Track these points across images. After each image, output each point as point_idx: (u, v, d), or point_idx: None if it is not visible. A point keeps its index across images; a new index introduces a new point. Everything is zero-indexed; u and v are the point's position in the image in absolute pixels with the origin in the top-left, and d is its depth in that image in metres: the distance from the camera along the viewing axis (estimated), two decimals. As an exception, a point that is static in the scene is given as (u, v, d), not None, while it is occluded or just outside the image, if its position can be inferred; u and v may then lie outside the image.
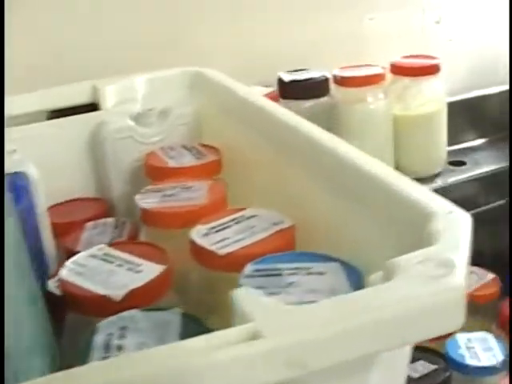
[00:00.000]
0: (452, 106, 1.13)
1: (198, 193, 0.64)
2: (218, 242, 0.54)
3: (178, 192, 0.64)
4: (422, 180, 1.04)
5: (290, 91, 0.97)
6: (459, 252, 0.37)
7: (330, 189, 0.54)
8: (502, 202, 1.06)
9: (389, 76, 1.03)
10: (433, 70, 1.01)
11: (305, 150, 0.57)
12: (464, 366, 0.81)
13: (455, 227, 0.39)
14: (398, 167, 1.06)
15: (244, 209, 0.60)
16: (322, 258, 0.49)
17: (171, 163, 0.72)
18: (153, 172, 0.72)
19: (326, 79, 0.98)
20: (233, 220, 0.57)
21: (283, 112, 0.63)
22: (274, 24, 1.03)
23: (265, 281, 0.47)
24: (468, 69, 1.17)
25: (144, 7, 0.94)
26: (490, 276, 0.97)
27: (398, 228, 0.45)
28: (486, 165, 1.08)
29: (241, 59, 1.01)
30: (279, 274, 0.48)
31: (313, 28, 1.04)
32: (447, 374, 0.79)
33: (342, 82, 0.99)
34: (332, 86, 1.00)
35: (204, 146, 0.76)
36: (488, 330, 0.90)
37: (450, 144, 1.13)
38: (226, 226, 0.57)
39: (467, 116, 1.16)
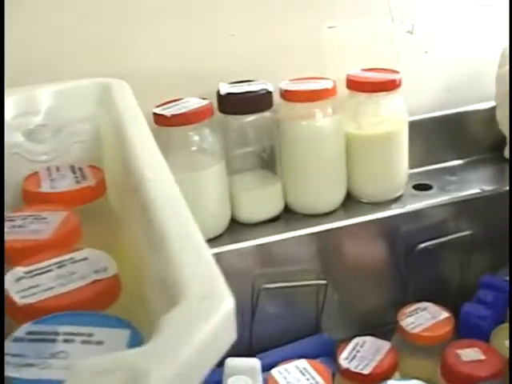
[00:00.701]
0: (426, 124, 1.04)
1: (47, 225, 0.57)
2: (25, 289, 0.47)
3: (28, 223, 0.57)
4: (378, 205, 0.95)
5: (227, 104, 0.89)
6: (171, 361, 0.28)
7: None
8: (467, 232, 0.95)
9: (345, 91, 0.94)
10: (391, 85, 0.92)
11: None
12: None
13: (191, 323, 0.31)
14: (351, 191, 0.97)
15: (81, 249, 0.52)
16: (115, 321, 0.42)
17: (44, 187, 0.65)
18: (26, 195, 0.65)
19: (268, 92, 0.90)
20: (57, 263, 0.50)
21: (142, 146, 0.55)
22: (225, 33, 0.94)
23: (32, 347, 0.40)
24: (445, 84, 1.07)
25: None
26: (444, 314, 0.89)
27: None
28: (455, 191, 0.98)
29: (191, 68, 0.93)
30: (53, 340, 0.40)
31: (265, 37, 0.95)
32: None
33: (286, 95, 0.91)
34: (278, 100, 0.92)
35: (93, 167, 0.69)
36: (435, 374, 0.83)
37: (419, 165, 1.04)
38: (46, 270, 0.50)
39: (443, 135, 1.06)
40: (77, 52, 0.89)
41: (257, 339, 0.93)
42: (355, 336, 0.87)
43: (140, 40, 0.91)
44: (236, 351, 0.76)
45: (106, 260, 0.50)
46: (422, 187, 1.01)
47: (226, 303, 0.32)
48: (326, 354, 0.89)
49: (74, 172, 0.68)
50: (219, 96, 0.90)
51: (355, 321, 0.97)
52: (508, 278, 0.96)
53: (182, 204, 0.43)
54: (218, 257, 0.88)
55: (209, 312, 0.32)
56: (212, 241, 0.91)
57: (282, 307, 0.94)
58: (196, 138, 0.87)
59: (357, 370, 0.81)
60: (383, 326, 0.91)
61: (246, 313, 0.92)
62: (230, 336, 0.32)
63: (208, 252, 0.37)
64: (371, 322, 0.95)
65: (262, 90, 0.90)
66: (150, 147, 0.54)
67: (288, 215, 0.96)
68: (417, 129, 1.03)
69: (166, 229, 0.40)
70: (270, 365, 0.84)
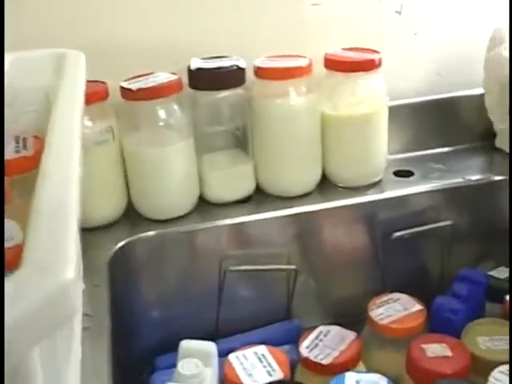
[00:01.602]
0: (413, 108, 1.01)
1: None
2: None
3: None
4: (355, 190, 0.92)
5: (197, 80, 0.86)
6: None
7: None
8: (448, 222, 0.92)
9: (323, 71, 0.91)
10: (370, 65, 0.89)
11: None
12: (338, 413, 0.70)
13: (19, 292, 0.29)
14: (327, 174, 0.93)
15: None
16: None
17: (-19, 156, 0.62)
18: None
19: (240, 69, 0.86)
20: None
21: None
22: (204, 8, 0.91)
23: None
24: (435, 67, 1.03)
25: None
26: (417, 307, 0.85)
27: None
28: (437, 179, 0.94)
29: (165, 43, 0.91)
30: None
31: (246, 13, 0.92)
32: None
33: (259, 73, 0.88)
34: (252, 77, 0.88)
35: (36, 137, 0.66)
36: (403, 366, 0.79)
37: (403, 151, 1.01)
38: None
39: (430, 121, 1.02)
40: (50, 24, 0.87)
41: (223, 323, 0.91)
42: (325, 324, 0.84)
43: (114, 12, 0.89)
44: (201, 334, 0.74)
45: (14, 230, 0.48)
46: (403, 174, 0.97)
47: (64, 275, 0.30)
48: (294, 340, 0.86)
49: (18, 142, 0.66)
50: (190, 71, 0.87)
51: (327, 309, 0.94)
52: (488, 273, 0.93)
53: (70, 181, 0.40)
54: (186, 236, 0.86)
55: (41, 283, 0.29)
56: (180, 219, 0.88)
57: (251, 291, 0.91)
58: (163, 113, 0.85)
59: (316, 360, 0.78)
60: (356, 316, 0.87)
61: (213, 295, 0.89)
62: (68, 309, 0.29)
63: (71, 228, 0.34)
64: (344, 311, 0.92)
65: (233, 66, 0.87)
66: (67, 121, 0.51)
67: (260, 196, 0.93)
68: (403, 113, 1.00)
69: (40, 202, 0.37)
70: (233, 349, 0.82)
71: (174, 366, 0.73)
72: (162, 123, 0.85)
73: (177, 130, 0.85)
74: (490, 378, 0.73)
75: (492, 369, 0.75)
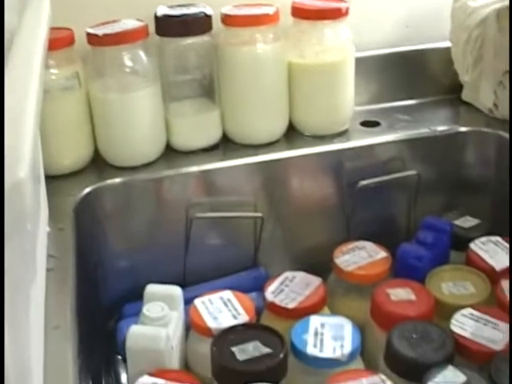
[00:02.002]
0: (380, 60, 1.01)
1: None
2: None
3: None
4: (321, 139, 0.93)
5: (163, 27, 0.86)
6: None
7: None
8: (413, 171, 0.92)
9: (290, 19, 0.90)
10: (336, 14, 0.89)
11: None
12: (303, 353, 0.71)
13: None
14: (293, 123, 0.93)
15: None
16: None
17: None
18: None
19: (207, 16, 0.86)
20: None
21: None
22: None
23: None
24: (403, 19, 1.03)
25: None
26: (382, 254, 0.86)
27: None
28: (404, 129, 0.95)
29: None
30: None
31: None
32: (277, 360, 0.68)
33: (226, 20, 0.88)
34: (220, 26, 0.88)
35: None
36: (367, 313, 0.81)
37: (370, 102, 1.01)
38: None
39: (398, 73, 1.03)
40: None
41: (190, 271, 0.91)
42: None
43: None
44: (168, 282, 0.74)
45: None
46: (369, 124, 0.98)
47: (17, 174, 0.30)
48: (260, 288, 0.86)
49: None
50: (156, 18, 0.86)
51: (293, 257, 0.94)
52: (453, 222, 0.94)
53: (28, 95, 0.40)
54: (152, 183, 0.86)
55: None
56: (146, 166, 0.88)
57: (218, 239, 0.92)
58: (129, 59, 0.85)
59: (282, 304, 0.79)
60: (322, 265, 0.88)
61: (180, 243, 0.89)
62: (20, 204, 0.29)
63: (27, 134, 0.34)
64: (310, 260, 0.92)
65: (200, 13, 0.87)
66: (27, 56, 0.51)
67: (226, 144, 0.93)
68: (370, 64, 1.00)
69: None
70: (200, 297, 0.82)
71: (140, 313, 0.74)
72: (128, 69, 0.85)
73: (143, 76, 0.85)
74: (453, 321, 0.75)
75: (455, 312, 0.76)
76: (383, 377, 0.66)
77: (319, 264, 0.86)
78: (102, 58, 0.84)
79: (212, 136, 0.91)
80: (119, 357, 0.86)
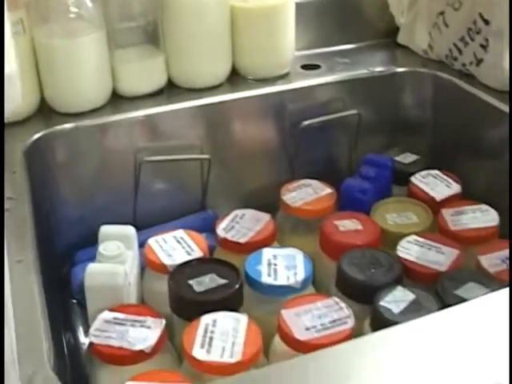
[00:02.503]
0: (318, 5, 1.03)
1: None
2: None
3: None
4: (264, 81, 0.95)
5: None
6: None
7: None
8: (354, 111, 0.95)
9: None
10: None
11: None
12: (258, 282, 0.73)
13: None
14: (237, 67, 0.95)
15: None
16: None
17: None
18: None
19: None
20: None
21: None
22: None
23: None
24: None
25: None
26: (327, 190, 0.89)
27: None
28: (343, 71, 0.97)
29: None
30: None
31: None
32: (233, 290, 0.70)
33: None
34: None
35: None
36: (315, 247, 0.83)
37: (310, 47, 1.03)
38: None
39: (335, 18, 1.05)
40: None
41: (140, 216, 0.92)
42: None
43: None
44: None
45: None
46: (310, 67, 1.00)
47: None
48: (210, 230, 0.88)
49: None
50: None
51: (241, 199, 0.96)
52: (394, 158, 0.97)
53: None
54: (99, 129, 0.87)
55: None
56: (92, 112, 0.89)
57: (166, 183, 0.93)
58: (74, 4, 0.85)
59: (234, 239, 0.81)
60: (269, 204, 0.90)
61: (129, 188, 0.90)
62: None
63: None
64: (257, 200, 0.94)
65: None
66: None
67: (171, 89, 0.94)
68: (308, 10, 1.02)
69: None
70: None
71: (94, 258, 0.75)
72: (72, 15, 0.85)
73: (88, 22, 0.85)
74: (398, 247, 0.78)
75: (400, 240, 0.80)
76: (337, 299, 0.69)
77: (266, 204, 0.89)
78: (46, 4, 0.83)
79: (157, 81, 0.92)
80: (74, 301, 0.87)
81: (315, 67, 0.99)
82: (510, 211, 0.83)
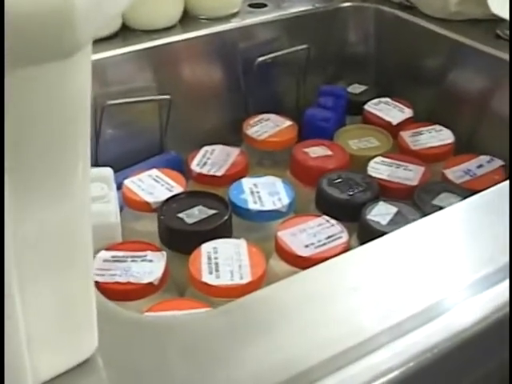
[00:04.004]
0: None
1: None
2: None
3: None
4: (215, 21, 0.95)
5: None
6: None
7: None
8: (303, 46, 0.97)
9: None
10: None
11: None
12: (245, 210, 0.74)
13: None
14: (188, 8, 0.96)
15: None
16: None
17: None
18: None
19: None
20: None
21: None
22: None
23: None
24: None
25: None
26: (287, 123, 0.91)
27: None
28: (289, 8, 0.99)
29: None
30: None
31: None
32: (225, 218, 0.71)
33: None
34: None
35: None
36: (283, 177, 0.84)
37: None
38: None
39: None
40: None
41: (103, 162, 0.91)
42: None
43: None
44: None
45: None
46: (257, 6, 1.01)
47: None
48: (176, 169, 0.88)
49: None
50: None
51: (200, 138, 0.96)
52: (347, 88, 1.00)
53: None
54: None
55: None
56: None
57: (125, 127, 0.92)
58: None
59: (210, 173, 0.82)
60: (228, 142, 0.91)
61: (90, 133, 0.89)
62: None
63: None
64: (216, 139, 0.95)
65: None
66: None
67: (125, 32, 0.93)
68: None
69: None
70: (120, 183, 0.82)
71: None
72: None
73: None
74: (369, 168, 0.82)
75: (366, 163, 0.83)
76: (327, 217, 0.71)
77: (225, 142, 0.90)
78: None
79: (111, 24, 0.91)
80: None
81: (262, 6, 1.01)
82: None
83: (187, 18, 0.96)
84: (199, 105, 0.96)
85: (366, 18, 1.03)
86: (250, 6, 1.01)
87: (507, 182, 0.62)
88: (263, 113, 0.93)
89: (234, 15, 0.98)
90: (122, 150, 0.92)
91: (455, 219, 0.60)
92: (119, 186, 0.80)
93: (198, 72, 0.95)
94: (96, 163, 0.89)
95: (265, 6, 1.01)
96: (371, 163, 0.83)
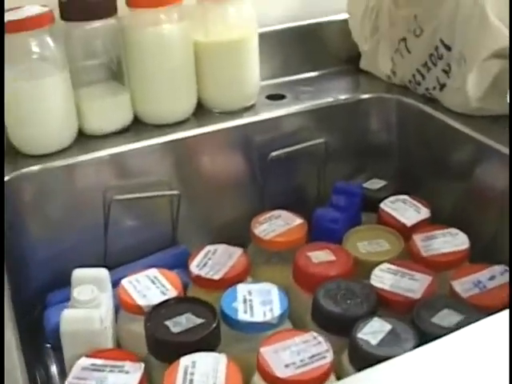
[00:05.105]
0: (280, 35, 1.04)
1: None
2: None
3: None
4: (230, 114, 0.95)
5: (68, 11, 0.86)
6: None
7: None
8: (321, 140, 0.96)
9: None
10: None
11: None
12: (235, 321, 0.73)
13: None
14: (202, 101, 0.95)
15: None
16: None
17: None
18: None
19: (110, -3, 0.86)
20: None
21: None
22: None
23: None
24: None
25: None
26: (298, 221, 0.89)
27: None
28: (308, 100, 0.98)
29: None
30: None
31: None
32: (211, 328, 0.70)
33: (130, 2, 0.88)
34: (124, 7, 0.89)
35: None
36: (289, 277, 0.83)
37: (273, 77, 1.04)
38: None
39: (297, 47, 1.06)
40: None
41: (111, 254, 0.92)
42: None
43: None
44: (91, 267, 0.74)
45: None
46: (275, 97, 1.00)
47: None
48: (183, 265, 0.88)
49: None
50: (60, 3, 0.86)
51: (212, 232, 0.96)
52: (362, 185, 0.98)
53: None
54: (67, 169, 0.86)
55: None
56: (59, 153, 0.88)
57: (136, 220, 0.93)
58: (36, 45, 0.84)
59: (208, 276, 0.81)
60: (240, 238, 0.90)
61: (99, 227, 0.90)
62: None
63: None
64: (228, 233, 0.94)
65: (104, -5, 0.87)
66: None
67: (138, 126, 0.94)
68: (270, 40, 1.03)
69: None
70: (125, 277, 0.82)
71: (66, 300, 0.74)
72: (35, 56, 0.84)
73: (51, 63, 0.85)
74: (372, 276, 0.79)
75: (373, 269, 0.80)
76: (315, 334, 0.69)
77: (238, 236, 0.89)
78: (9, 46, 0.82)
79: (123, 119, 0.92)
80: (48, 345, 0.86)
81: (281, 97, 1.00)
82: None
83: (201, 111, 0.96)
84: (213, 199, 0.96)
85: (388, 109, 1.01)
86: (268, 97, 1.00)
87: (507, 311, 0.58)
88: (278, 208, 0.91)
89: (249, 108, 0.96)
90: (132, 242, 0.92)
91: (448, 351, 0.56)
92: (120, 281, 0.80)
93: (211, 166, 0.95)
94: (105, 256, 0.89)
95: (283, 97, 1.00)
96: (376, 270, 0.80)
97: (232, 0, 0.91)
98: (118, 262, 0.90)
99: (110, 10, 0.87)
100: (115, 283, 0.79)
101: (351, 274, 0.81)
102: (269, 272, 0.87)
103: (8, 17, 0.82)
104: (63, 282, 0.77)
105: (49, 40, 0.84)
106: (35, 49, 0.84)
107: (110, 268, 0.85)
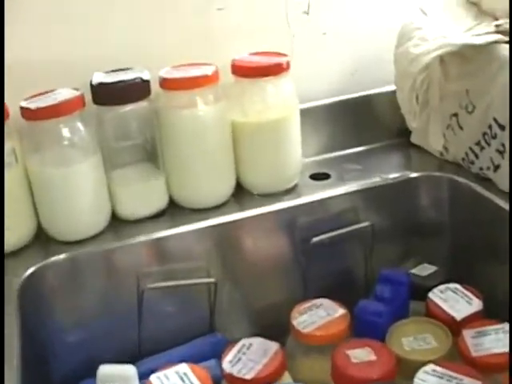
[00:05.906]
0: (326, 110, 0.99)
1: None
2: None
3: None
4: (271, 197, 0.91)
5: (100, 95, 0.84)
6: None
7: None
8: (366, 223, 0.91)
9: (231, 76, 0.89)
10: (277, 69, 0.87)
11: None
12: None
13: None
14: (241, 183, 0.92)
15: None
16: None
17: None
18: None
19: (144, 81, 0.84)
20: None
21: None
22: (101, 22, 0.89)
23: None
24: (348, 67, 1.02)
25: None
26: (340, 311, 0.84)
27: None
28: (354, 180, 0.93)
29: (65, 57, 0.87)
30: None
31: (149, 22, 0.90)
32: None
33: (164, 84, 0.86)
34: (159, 89, 0.86)
35: None
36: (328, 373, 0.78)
37: (319, 153, 1.00)
38: None
39: (345, 121, 1.02)
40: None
41: (146, 342, 0.88)
42: (250, 336, 0.82)
43: (8, 30, 0.85)
44: (123, 355, 0.71)
45: None
46: (319, 177, 0.96)
47: None
48: (219, 354, 0.84)
49: None
50: (92, 86, 0.84)
51: (251, 319, 0.92)
52: (411, 271, 0.93)
53: None
54: (100, 256, 0.84)
55: None
56: (92, 239, 0.86)
57: (172, 307, 0.89)
58: (67, 131, 0.82)
59: (239, 375, 0.77)
60: (281, 325, 0.85)
61: (133, 314, 0.87)
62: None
63: None
64: (268, 321, 0.90)
65: (136, 78, 0.85)
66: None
67: (174, 210, 0.91)
68: (316, 114, 0.99)
69: None
70: (157, 369, 0.79)
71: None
72: (66, 142, 0.82)
73: (82, 148, 0.83)
74: (416, 379, 0.73)
75: (417, 369, 0.74)
76: None
77: (278, 324, 0.85)
78: (39, 132, 0.81)
79: (158, 202, 0.89)
80: None
81: (325, 177, 0.95)
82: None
83: (241, 192, 0.93)
84: (253, 285, 0.92)
85: (439, 188, 0.95)
86: (312, 177, 0.96)
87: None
88: (321, 294, 0.87)
89: (291, 190, 0.92)
90: (167, 329, 0.89)
91: None
92: (152, 372, 0.76)
93: (251, 251, 0.91)
94: (139, 343, 0.86)
95: (327, 176, 0.96)
96: (420, 373, 0.74)
97: (270, 77, 0.87)
98: (152, 349, 0.87)
99: (144, 93, 0.85)
100: (147, 372, 0.76)
101: (393, 375, 0.76)
102: (307, 365, 0.82)
103: (38, 103, 0.80)
104: (95, 370, 0.74)
105: (79, 125, 0.83)
106: (66, 134, 0.82)
107: (143, 356, 0.82)
